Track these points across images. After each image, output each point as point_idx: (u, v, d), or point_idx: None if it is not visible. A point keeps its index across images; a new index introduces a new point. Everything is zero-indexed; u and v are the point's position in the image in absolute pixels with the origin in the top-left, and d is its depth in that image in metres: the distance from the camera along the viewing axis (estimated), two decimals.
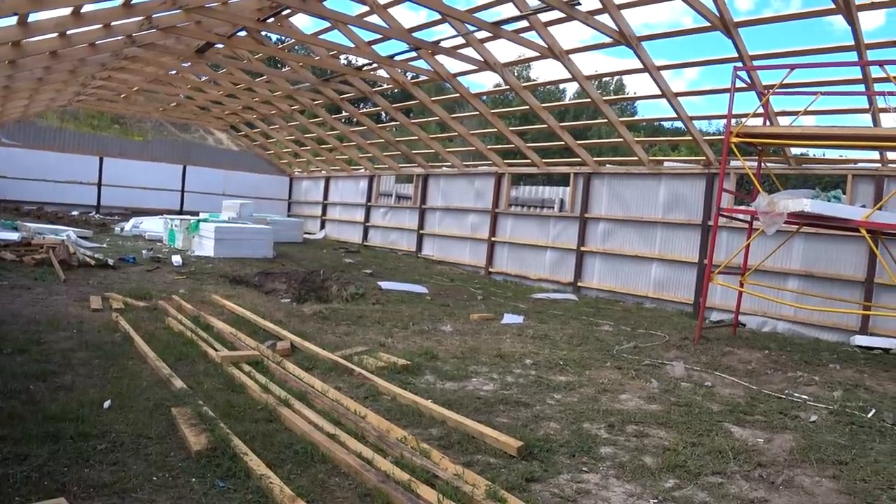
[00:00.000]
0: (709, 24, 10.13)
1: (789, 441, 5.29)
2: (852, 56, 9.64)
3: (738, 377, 7.49)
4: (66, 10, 9.59)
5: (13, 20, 9.16)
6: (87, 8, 9.78)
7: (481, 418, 5.29)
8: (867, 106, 10.69)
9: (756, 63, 10.63)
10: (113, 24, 11.01)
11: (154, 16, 11.11)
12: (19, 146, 23.63)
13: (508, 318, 10.54)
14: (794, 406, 6.40)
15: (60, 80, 15.79)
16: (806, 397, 6.73)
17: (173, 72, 18.51)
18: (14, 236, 13.34)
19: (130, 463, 4.02)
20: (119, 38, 12.13)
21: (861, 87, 10.21)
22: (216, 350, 6.81)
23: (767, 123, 10.91)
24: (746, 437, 5.36)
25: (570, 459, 4.64)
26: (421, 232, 20.84)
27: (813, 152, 14.72)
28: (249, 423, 4.82)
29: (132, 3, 10.11)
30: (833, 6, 8.75)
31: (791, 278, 11.80)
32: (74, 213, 22.53)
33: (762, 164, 10.86)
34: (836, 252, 11.31)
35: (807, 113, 10.73)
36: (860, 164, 11.71)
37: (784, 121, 11.64)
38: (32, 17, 9.40)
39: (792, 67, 9.47)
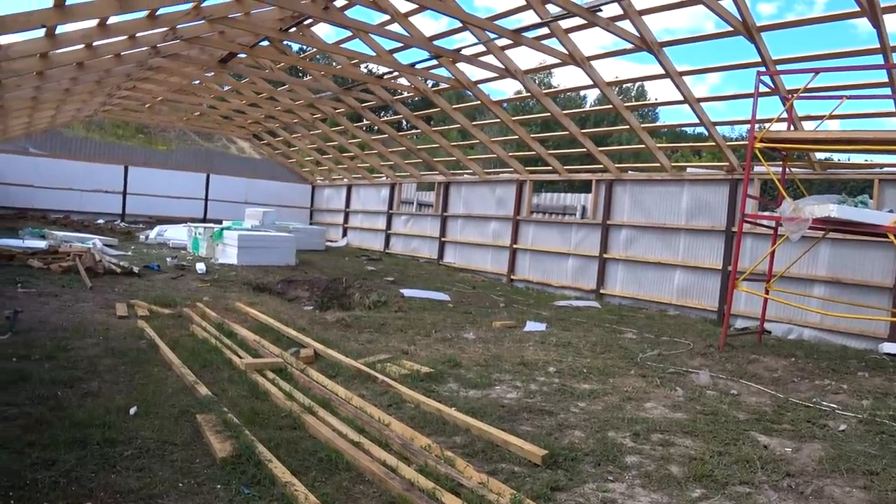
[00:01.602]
0: (731, 29, 10.05)
1: (818, 450, 5.21)
2: (878, 59, 9.50)
3: (764, 385, 7.40)
4: (93, 22, 9.74)
5: (41, 32, 9.32)
6: (113, 20, 9.93)
7: (505, 426, 5.27)
8: (893, 109, 10.55)
9: (779, 67, 10.53)
10: (138, 35, 11.17)
11: (178, 27, 11.25)
12: (47, 156, 24.01)
13: (531, 326, 10.50)
14: (823, 415, 6.31)
15: (87, 90, 16.03)
16: (834, 406, 6.63)
17: (197, 82, 18.72)
18: (42, 244, 13.52)
19: (156, 469, 4.05)
20: (144, 48, 12.29)
21: (887, 91, 10.07)
22: (240, 357, 6.85)
23: (792, 128, 10.79)
24: (774, 446, 5.29)
25: (595, 468, 4.60)
26: (443, 239, 20.85)
27: (838, 157, 14.55)
28: (274, 431, 4.83)
29: (157, 14, 10.24)
30: (858, 9, 8.65)
31: (817, 285, 11.64)
32: (100, 221, 22.83)
33: (786, 170, 10.74)
34: (863, 258, 11.14)
35: (832, 117, 10.60)
36: (887, 169, 11.53)
37: (809, 125, 11.51)
38: (60, 30, 9.56)
39: (816, 71, 9.37)
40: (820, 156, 12.24)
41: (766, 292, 10.20)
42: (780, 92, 10.63)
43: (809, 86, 9.66)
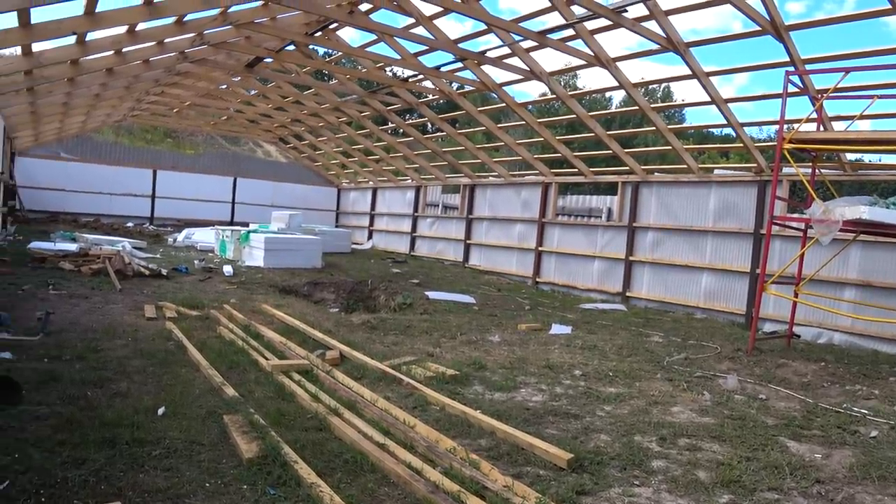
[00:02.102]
0: (759, 28, 9.94)
1: (848, 457, 5.13)
2: None
3: (793, 390, 7.29)
4: (122, 29, 9.91)
5: (72, 39, 9.49)
6: (141, 26, 10.09)
7: (530, 429, 5.25)
8: None
9: (809, 67, 10.39)
10: (166, 40, 11.34)
11: (205, 32, 11.40)
12: (77, 160, 24.44)
13: (556, 329, 10.46)
14: (853, 420, 6.20)
15: (116, 95, 16.30)
16: (865, 412, 6.51)
17: (224, 86, 18.92)
18: (72, 247, 13.74)
19: (184, 469, 4.09)
20: (172, 54, 12.47)
21: None
22: (266, 359, 6.90)
23: (821, 128, 10.63)
24: (803, 452, 5.21)
25: (621, 473, 4.57)
26: (468, 242, 20.84)
27: (869, 158, 14.31)
28: (300, 432, 4.86)
29: (185, 20, 10.38)
30: (889, 6, 8.50)
31: (848, 288, 11.45)
32: (129, 224, 23.16)
33: (816, 171, 10.58)
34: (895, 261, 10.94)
35: (863, 117, 10.43)
36: None
37: (839, 126, 11.33)
38: (90, 36, 9.73)
39: (847, 70, 9.23)
40: (851, 156, 12.04)
41: (796, 295, 10.06)
42: (809, 92, 10.49)
43: (839, 85, 9.51)
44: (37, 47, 9.37)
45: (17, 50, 9.57)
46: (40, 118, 17.07)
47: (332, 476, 4.14)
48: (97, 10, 8.56)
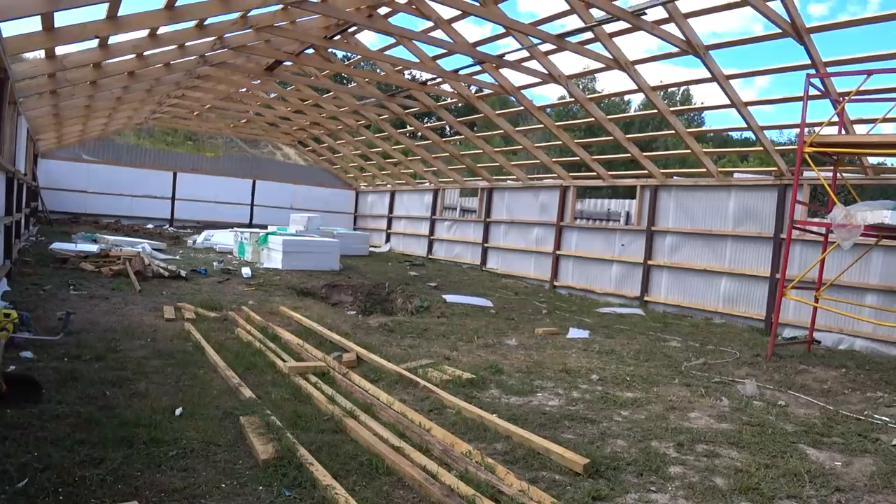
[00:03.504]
0: (780, 31, 9.86)
1: (869, 465, 5.06)
2: None
3: (813, 397, 7.21)
4: (143, 33, 10.01)
5: (94, 43, 9.60)
6: (162, 30, 10.19)
7: (546, 434, 5.22)
8: None
9: (830, 70, 10.29)
10: (187, 44, 11.44)
11: (225, 36, 11.49)
12: (99, 162, 24.71)
13: (574, 333, 10.41)
14: (874, 428, 6.12)
15: (137, 98, 16.45)
16: (887, 419, 6.42)
17: (243, 89, 19.05)
18: (93, 248, 13.88)
19: (200, 469, 4.12)
20: (192, 57, 12.58)
21: None
22: (284, 361, 6.93)
23: (843, 132, 10.53)
24: (823, 459, 5.15)
25: (637, 478, 4.53)
26: (485, 245, 20.82)
27: (892, 161, 14.12)
28: (315, 434, 4.88)
29: (205, 24, 10.46)
30: None
31: (869, 293, 11.30)
32: (149, 226, 23.37)
33: (837, 175, 10.46)
34: None
35: (885, 120, 10.33)
36: None
37: (861, 129, 11.20)
38: (112, 40, 9.83)
39: (868, 73, 9.13)
40: (873, 160, 11.89)
41: (816, 301, 9.96)
42: (830, 95, 10.38)
43: (861, 88, 9.41)
44: (60, 51, 9.50)
45: (41, 53, 9.70)
46: (63, 121, 17.27)
47: (348, 478, 4.14)
48: (119, 14, 8.65)
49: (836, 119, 10.17)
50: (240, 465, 4.24)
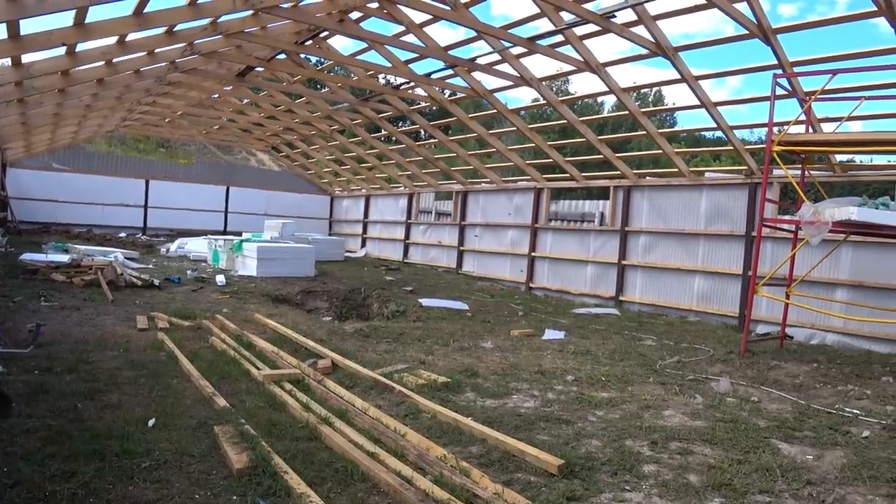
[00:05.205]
0: (747, 32, 9.99)
1: (840, 458, 5.14)
2: None
3: (785, 392, 7.30)
4: (112, 39, 9.89)
5: (62, 50, 9.48)
6: (131, 36, 10.07)
7: (522, 436, 5.24)
8: None
9: (797, 69, 10.44)
10: (157, 51, 11.32)
11: (196, 42, 11.39)
12: (69, 171, 24.40)
13: (549, 334, 10.46)
14: (845, 421, 6.21)
15: (107, 106, 16.26)
16: (857, 412, 6.52)
17: (215, 96, 18.91)
18: (64, 258, 13.71)
19: (174, 481, 4.08)
20: (162, 64, 12.45)
21: None
22: (258, 369, 6.89)
23: (810, 130, 10.68)
24: (795, 453, 5.22)
25: (612, 478, 4.57)
26: (461, 248, 20.85)
27: (860, 158, 14.35)
28: (290, 442, 4.85)
29: (175, 30, 10.38)
30: (875, 8, 8.55)
31: (839, 288, 11.48)
32: (122, 234, 23.12)
33: (806, 173, 10.62)
34: (886, 261, 10.95)
35: (851, 118, 10.49)
36: None
37: (828, 127, 11.38)
38: (80, 47, 9.71)
39: (834, 72, 9.28)
40: (841, 157, 12.09)
41: (787, 297, 10.09)
42: (797, 94, 10.54)
43: (828, 87, 9.56)
44: (27, 58, 9.36)
45: (7, 61, 9.56)
46: (31, 129, 17.04)
47: (323, 486, 4.13)
48: (87, 21, 8.55)
49: (803, 118, 10.31)
50: (214, 476, 4.21)
